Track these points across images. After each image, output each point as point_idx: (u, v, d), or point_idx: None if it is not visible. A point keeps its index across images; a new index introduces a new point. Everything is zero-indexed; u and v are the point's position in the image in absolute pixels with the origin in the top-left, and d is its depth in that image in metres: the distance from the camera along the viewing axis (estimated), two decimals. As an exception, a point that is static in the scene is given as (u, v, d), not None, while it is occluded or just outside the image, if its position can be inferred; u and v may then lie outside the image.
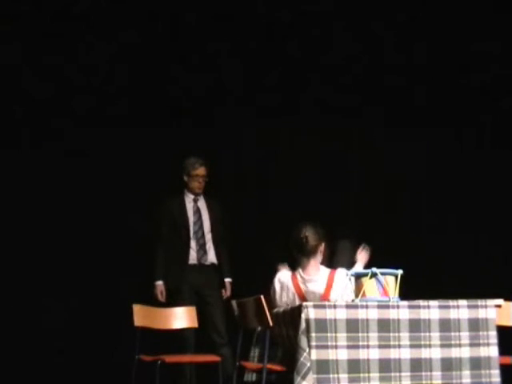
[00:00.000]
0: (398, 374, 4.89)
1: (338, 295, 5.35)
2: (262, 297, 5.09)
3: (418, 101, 7.58)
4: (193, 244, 6.61)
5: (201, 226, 6.69)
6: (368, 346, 4.86)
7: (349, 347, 4.84)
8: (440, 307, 5.00)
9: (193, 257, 6.60)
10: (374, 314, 4.90)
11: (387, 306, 4.94)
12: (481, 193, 7.40)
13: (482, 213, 7.39)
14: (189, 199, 6.76)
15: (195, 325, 5.93)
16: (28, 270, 6.85)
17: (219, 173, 6.98)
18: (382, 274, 5.06)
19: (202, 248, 6.63)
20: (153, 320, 5.85)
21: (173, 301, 6.37)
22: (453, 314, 5.00)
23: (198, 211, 6.73)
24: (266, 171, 7.55)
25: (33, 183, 6.95)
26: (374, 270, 5.05)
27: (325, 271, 5.44)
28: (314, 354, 4.77)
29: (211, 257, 6.65)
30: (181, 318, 5.98)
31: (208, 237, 6.68)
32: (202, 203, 6.78)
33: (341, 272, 5.42)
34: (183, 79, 7.35)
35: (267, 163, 7.56)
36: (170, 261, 6.59)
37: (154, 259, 6.57)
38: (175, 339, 6.15)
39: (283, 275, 5.46)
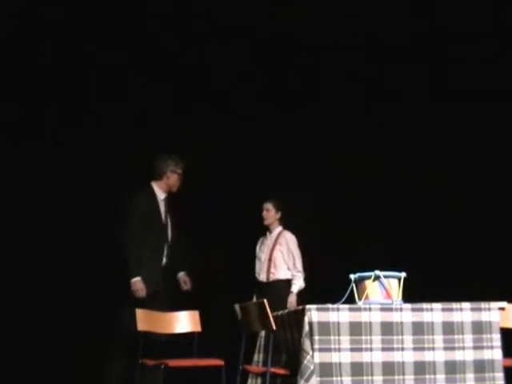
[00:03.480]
0: (401, 377, 4.88)
1: None
2: (265, 300, 5.08)
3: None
4: (165, 245, 6.44)
5: (167, 227, 6.50)
6: (371, 349, 4.87)
7: (352, 350, 4.84)
8: (443, 310, 5.00)
9: (165, 259, 6.44)
10: (377, 317, 4.91)
11: (390, 309, 4.94)
12: (484, 194, 7.41)
13: (486, 215, 7.39)
14: (160, 197, 6.49)
15: (198, 329, 5.91)
16: (30, 273, 6.88)
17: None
18: (385, 276, 5.06)
19: (169, 250, 6.46)
20: (155, 324, 5.83)
21: (149, 306, 6.01)
22: (456, 316, 5.00)
23: (166, 211, 6.49)
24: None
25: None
26: (377, 272, 5.05)
27: None
28: (318, 357, 4.77)
29: (172, 259, 6.50)
30: (184, 322, 5.95)
31: (170, 238, 6.50)
32: (167, 203, 6.55)
33: None
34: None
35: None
36: (145, 261, 6.30)
37: (128, 255, 6.22)
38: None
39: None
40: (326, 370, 4.78)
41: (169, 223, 6.51)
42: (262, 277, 7.16)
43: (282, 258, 7.15)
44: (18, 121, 7.14)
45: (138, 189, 6.49)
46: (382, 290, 5.05)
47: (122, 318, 6.15)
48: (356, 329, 4.87)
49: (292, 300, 7.03)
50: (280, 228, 7.27)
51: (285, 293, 7.07)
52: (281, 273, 7.14)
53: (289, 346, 5.08)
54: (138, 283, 6.22)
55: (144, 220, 6.31)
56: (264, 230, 7.32)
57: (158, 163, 6.50)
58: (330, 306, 4.91)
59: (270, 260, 7.15)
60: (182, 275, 6.60)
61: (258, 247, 7.35)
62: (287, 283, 7.13)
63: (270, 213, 7.20)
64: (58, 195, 7.12)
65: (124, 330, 6.10)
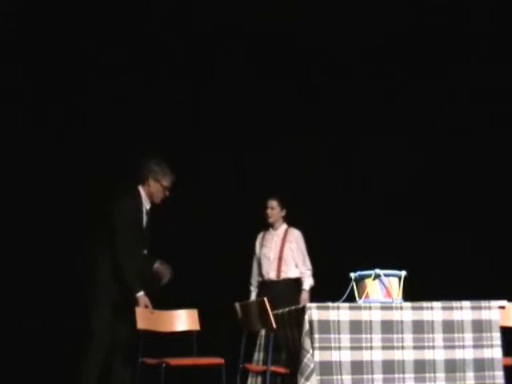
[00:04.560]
0: (401, 376, 4.87)
1: None
2: (265, 299, 5.08)
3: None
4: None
5: (147, 238, 6.13)
6: (371, 348, 4.86)
7: (352, 349, 4.83)
8: (443, 308, 4.99)
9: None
10: (377, 316, 4.90)
11: (390, 308, 4.93)
12: (485, 193, 7.42)
13: (486, 213, 7.40)
14: (146, 206, 6.06)
15: (197, 327, 5.92)
16: (33, 271, 6.88)
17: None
18: (386, 275, 5.05)
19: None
20: (156, 323, 5.83)
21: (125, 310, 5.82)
22: (456, 315, 5.00)
23: (148, 221, 6.09)
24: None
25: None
26: (378, 271, 5.05)
27: None
28: (318, 356, 4.76)
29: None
30: (182, 320, 5.93)
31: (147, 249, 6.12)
32: (151, 213, 6.13)
33: None
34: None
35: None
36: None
37: (126, 263, 5.85)
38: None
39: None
40: (327, 368, 4.77)
41: (148, 232, 6.13)
42: (272, 275, 7.06)
43: (291, 255, 7.09)
44: (17, 121, 7.14)
45: (125, 192, 6.08)
46: (382, 288, 5.04)
47: (96, 319, 5.93)
48: (356, 327, 4.85)
49: (305, 297, 7.02)
50: (285, 225, 7.20)
51: (294, 291, 7.03)
52: (290, 271, 7.09)
53: (289, 344, 5.07)
54: (142, 298, 5.84)
55: (129, 226, 5.91)
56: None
57: (142, 166, 6.05)
58: (330, 304, 4.90)
59: (280, 258, 7.06)
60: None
61: (257, 244, 7.25)
62: (296, 281, 7.09)
63: (275, 210, 7.13)
64: (54, 194, 7.11)
65: (100, 331, 5.91)
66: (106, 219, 5.97)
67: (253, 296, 7.14)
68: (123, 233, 5.88)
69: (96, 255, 6.04)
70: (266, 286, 7.08)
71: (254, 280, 7.22)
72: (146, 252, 6.13)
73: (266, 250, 7.16)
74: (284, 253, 7.07)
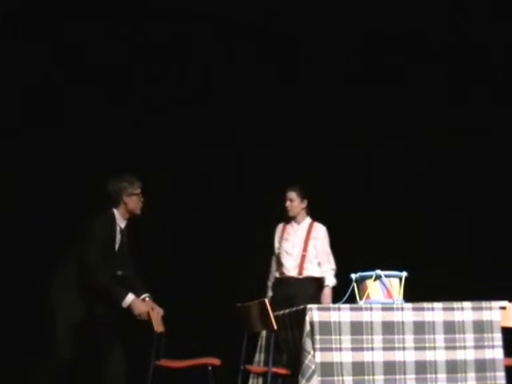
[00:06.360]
0: (402, 377, 4.87)
1: None
2: (266, 300, 5.08)
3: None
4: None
5: (118, 256, 5.80)
6: (372, 349, 4.86)
7: (353, 349, 4.83)
8: (444, 309, 4.99)
9: None
10: (378, 317, 4.90)
11: (391, 309, 4.94)
12: (485, 193, 7.42)
13: (487, 214, 7.40)
14: (120, 226, 5.78)
15: (161, 329, 5.78)
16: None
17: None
18: (386, 276, 5.06)
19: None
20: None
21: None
22: (457, 316, 5.00)
23: (121, 239, 5.80)
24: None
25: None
26: (378, 272, 5.05)
27: None
28: (319, 357, 4.76)
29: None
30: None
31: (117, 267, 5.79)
32: (125, 230, 5.84)
33: None
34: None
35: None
36: None
37: (101, 275, 5.52)
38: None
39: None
40: (328, 369, 4.77)
41: (123, 250, 5.83)
42: (294, 272, 6.63)
43: (314, 254, 6.68)
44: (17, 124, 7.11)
45: (98, 212, 5.77)
46: (383, 289, 5.05)
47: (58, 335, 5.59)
48: (357, 328, 4.85)
49: (328, 293, 6.62)
50: (309, 219, 6.77)
51: (315, 289, 6.64)
52: (313, 269, 6.68)
53: (290, 345, 5.07)
54: (136, 302, 5.54)
55: (102, 244, 5.62)
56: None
57: (111, 190, 5.72)
58: (331, 305, 4.93)
59: (304, 255, 6.65)
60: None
61: (276, 237, 6.79)
62: (317, 281, 6.69)
63: (295, 203, 6.68)
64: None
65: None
66: (75, 237, 5.72)
67: (269, 295, 6.69)
68: (94, 248, 5.55)
69: (61, 272, 5.71)
70: (285, 283, 6.65)
71: (272, 277, 6.78)
72: (119, 273, 5.81)
73: (287, 245, 6.70)
74: (308, 249, 6.67)
